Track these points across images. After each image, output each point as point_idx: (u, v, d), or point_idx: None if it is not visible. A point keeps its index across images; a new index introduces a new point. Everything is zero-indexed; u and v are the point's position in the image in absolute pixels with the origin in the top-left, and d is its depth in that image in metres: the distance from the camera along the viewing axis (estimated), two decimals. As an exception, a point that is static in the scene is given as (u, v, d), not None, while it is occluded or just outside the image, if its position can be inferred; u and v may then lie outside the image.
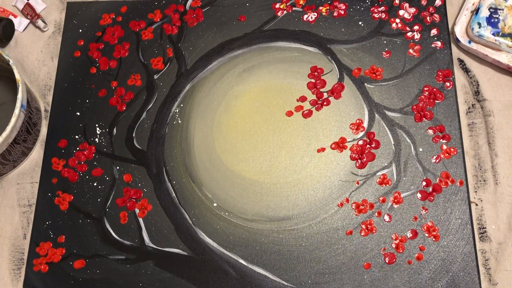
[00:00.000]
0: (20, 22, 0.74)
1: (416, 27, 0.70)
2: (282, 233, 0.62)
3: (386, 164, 0.64)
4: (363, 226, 0.61)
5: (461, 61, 0.69)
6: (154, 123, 0.68)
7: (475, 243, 0.60)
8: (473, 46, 0.67)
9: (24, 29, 0.74)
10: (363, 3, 0.72)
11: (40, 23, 0.73)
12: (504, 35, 0.66)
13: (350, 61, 0.69)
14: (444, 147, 0.64)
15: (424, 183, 0.62)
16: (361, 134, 0.66)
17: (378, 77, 0.68)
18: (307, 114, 0.67)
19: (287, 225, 0.62)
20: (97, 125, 0.69)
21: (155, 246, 0.62)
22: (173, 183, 0.65)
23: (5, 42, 0.73)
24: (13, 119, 0.60)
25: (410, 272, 0.59)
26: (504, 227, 0.60)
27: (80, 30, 0.74)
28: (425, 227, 0.61)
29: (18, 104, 0.60)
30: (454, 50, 0.69)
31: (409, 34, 0.70)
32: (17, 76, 0.62)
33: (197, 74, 0.70)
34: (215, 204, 0.64)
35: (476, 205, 0.62)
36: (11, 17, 0.74)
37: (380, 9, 0.71)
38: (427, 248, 0.60)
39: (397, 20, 0.71)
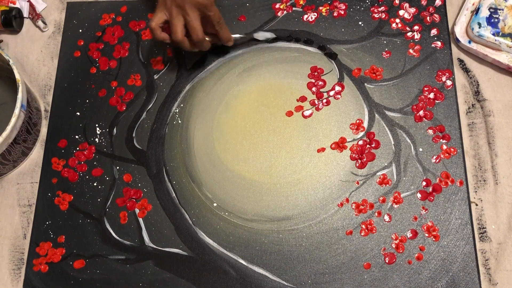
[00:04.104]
0: (21, 7, 0.74)
1: (416, 27, 0.70)
2: (282, 233, 0.62)
3: (386, 164, 0.64)
4: (363, 226, 0.61)
5: (461, 61, 0.69)
6: (154, 123, 0.68)
7: (475, 243, 0.60)
8: (473, 46, 0.67)
9: (26, 16, 0.75)
10: (363, 3, 0.72)
11: (40, 23, 0.73)
12: (504, 35, 0.66)
13: (350, 61, 0.69)
14: (444, 147, 0.64)
15: (424, 183, 0.62)
16: (361, 134, 0.66)
17: (378, 77, 0.68)
18: (307, 114, 0.67)
19: (287, 225, 0.62)
20: (97, 125, 0.69)
21: (155, 246, 0.62)
22: (173, 183, 0.65)
23: (18, 31, 0.74)
24: (13, 119, 0.60)
25: (410, 272, 0.59)
26: (504, 227, 0.60)
27: (80, 30, 0.74)
28: (425, 227, 0.61)
29: (18, 104, 0.60)
30: (454, 50, 0.69)
31: (409, 34, 0.70)
32: (17, 76, 0.62)
33: (197, 74, 0.70)
34: (215, 204, 0.64)
35: (476, 205, 0.62)
36: (10, 5, 0.74)
37: (380, 9, 0.71)
38: (427, 248, 0.60)
39: (397, 20, 0.71)
